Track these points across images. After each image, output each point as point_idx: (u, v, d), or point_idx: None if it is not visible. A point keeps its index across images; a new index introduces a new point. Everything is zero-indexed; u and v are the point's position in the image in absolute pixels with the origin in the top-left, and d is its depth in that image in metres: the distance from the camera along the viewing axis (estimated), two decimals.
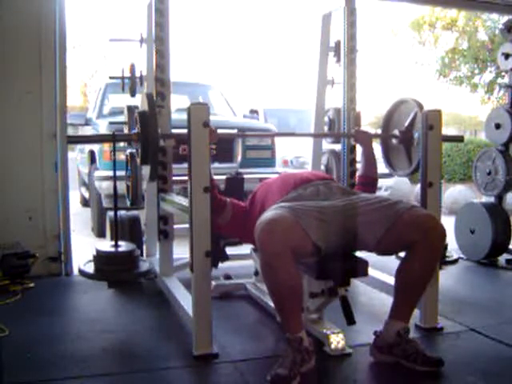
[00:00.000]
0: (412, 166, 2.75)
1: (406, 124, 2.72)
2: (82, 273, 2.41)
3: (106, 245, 2.46)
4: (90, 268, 2.39)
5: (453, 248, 3.69)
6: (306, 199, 2.12)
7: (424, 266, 1.98)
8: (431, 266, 2.02)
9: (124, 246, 2.44)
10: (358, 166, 2.93)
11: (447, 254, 2.84)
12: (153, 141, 2.39)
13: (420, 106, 2.64)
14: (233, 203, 2.41)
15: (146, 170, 2.59)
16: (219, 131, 2.46)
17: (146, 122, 2.38)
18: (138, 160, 2.49)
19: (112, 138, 2.43)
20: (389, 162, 2.96)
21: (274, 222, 1.88)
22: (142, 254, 3.14)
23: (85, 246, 3.96)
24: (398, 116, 2.83)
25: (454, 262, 2.83)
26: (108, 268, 2.36)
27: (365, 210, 2.06)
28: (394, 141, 2.82)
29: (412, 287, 2.03)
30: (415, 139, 2.63)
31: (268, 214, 1.94)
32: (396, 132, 2.80)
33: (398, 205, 2.04)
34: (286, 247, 1.86)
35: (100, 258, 2.38)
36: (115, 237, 2.44)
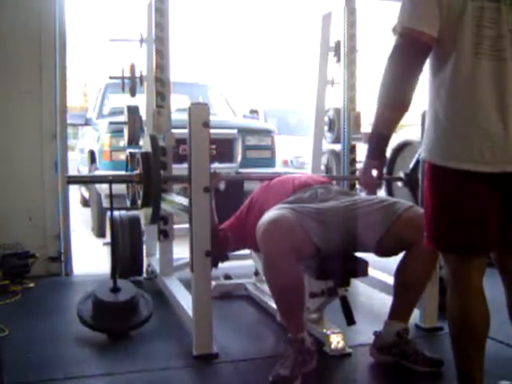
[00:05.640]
0: None
1: (411, 166, 2.67)
2: (81, 319, 2.29)
3: (105, 291, 2.31)
4: (88, 313, 2.28)
5: None
6: (306, 202, 2.11)
7: (422, 267, 1.98)
8: (430, 266, 2.02)
9: (123, 290, 2.32)
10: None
11: None
12: (155, 185, 2.37)
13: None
14: (231, 230, 2.34)
15: (146, 211, 2.55)
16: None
17: (148, 165, 2.37)
18: (139, 202, 2.46)
19: (110, 180, 2.42)
20: None
21: (276, 221, 1.88)
22: (141, 255, 3.15)
23: (85, 246, 3.98)
24: (402, 159, 2.79)
25: None
26: (107, 320, 2.27)
27: (364, 211, 2.05)
28: (399, 183, 2.79)
29: (411, 287, 2.03)
30: (420, 181, 2.57)
31: (270, 214, 1.93)
32: (401, 174, 2.76)
33: (397, 205, 2.04)
34: (288, 247, 1.85)
35: (99, 309, 2.28)
36: (113, 278, 2.33)
